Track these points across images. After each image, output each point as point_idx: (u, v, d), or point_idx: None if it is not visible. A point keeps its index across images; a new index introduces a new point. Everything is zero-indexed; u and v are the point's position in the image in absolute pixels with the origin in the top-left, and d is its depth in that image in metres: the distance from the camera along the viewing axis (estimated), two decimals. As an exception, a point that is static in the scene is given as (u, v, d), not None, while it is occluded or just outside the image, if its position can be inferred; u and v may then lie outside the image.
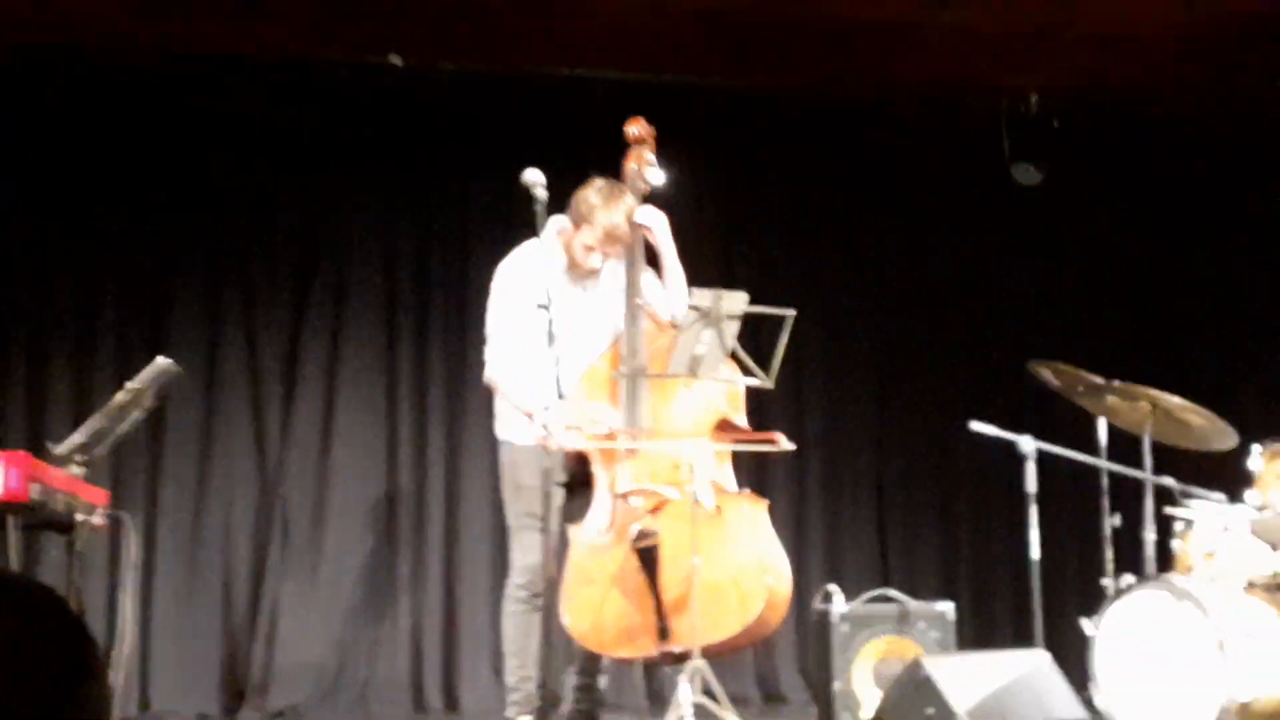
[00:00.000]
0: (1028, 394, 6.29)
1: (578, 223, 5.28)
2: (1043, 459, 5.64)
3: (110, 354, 7.23)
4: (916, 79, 7.93)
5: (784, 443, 5.11)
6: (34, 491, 3.88)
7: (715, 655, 5.00)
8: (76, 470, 4.24)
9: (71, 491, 4.16)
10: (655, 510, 5.07)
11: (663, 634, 4.96)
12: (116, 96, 7.34)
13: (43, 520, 4.19)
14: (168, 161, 7.42)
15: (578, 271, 5.35)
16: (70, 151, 7.28)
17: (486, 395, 7.28)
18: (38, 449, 4.52)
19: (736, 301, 4.83)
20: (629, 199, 5.30)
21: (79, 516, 4.17)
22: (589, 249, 5.27)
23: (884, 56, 7.64)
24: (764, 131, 8.09)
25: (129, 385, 4.37)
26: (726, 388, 5.19)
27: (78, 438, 4.29)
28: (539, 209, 4.98)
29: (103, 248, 7.36)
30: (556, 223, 5.33)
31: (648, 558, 5.01)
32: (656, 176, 5.49)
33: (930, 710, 4.37)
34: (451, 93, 7.65)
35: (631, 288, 5.34)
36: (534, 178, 4.97)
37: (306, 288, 7.55)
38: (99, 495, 4.49)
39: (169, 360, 4.52)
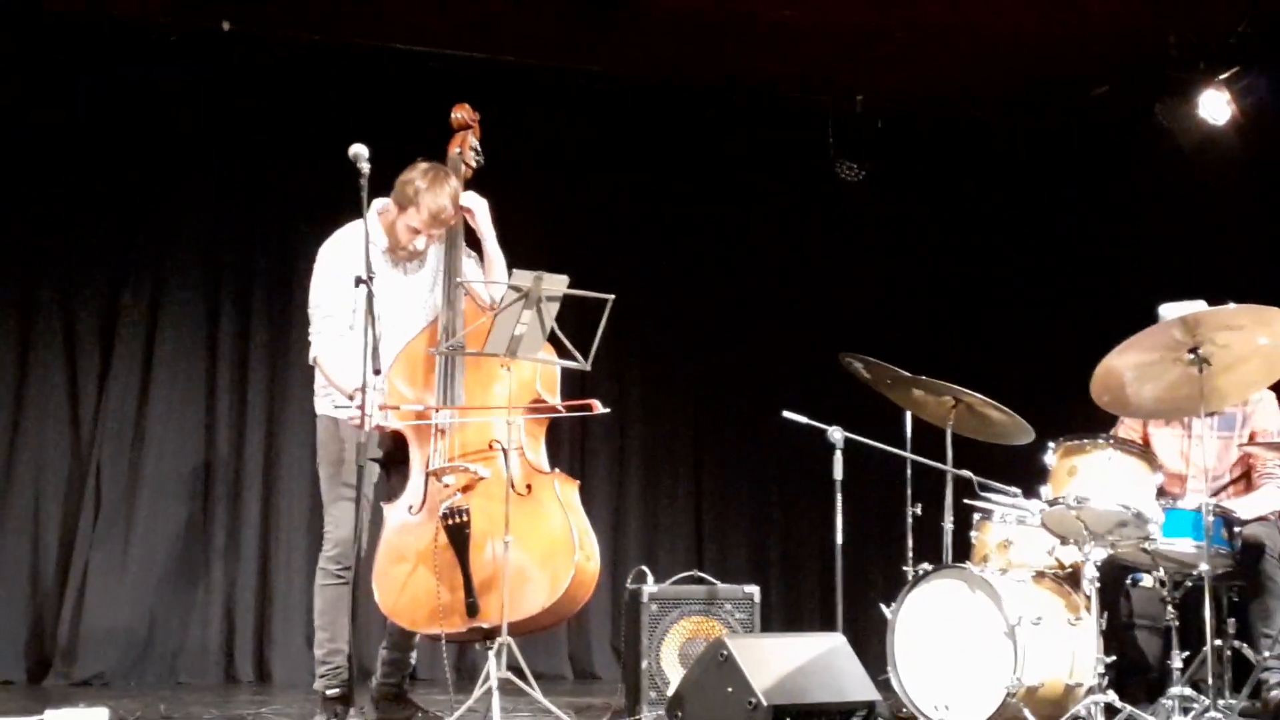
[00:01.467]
0: (839, 385, 6.44)
1: (403, 205, 5.27)
2: (851, 449, 5.79)
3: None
4: (747, 72, 8.08)
5: (599, 407, 5.19)
6: None
7: (524, 632, 5.07)
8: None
9: None
10: (467, 489, 5.10)
11: (471, 611, 5.00)
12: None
13: None
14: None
15: (400, 253, 5.35)
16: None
17: (307, 370, 7.25)
18: None
19: (556, 284, 4.88)
20: (454, 182, 5.32)
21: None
22: (414, 231, 5.28)
23: (715, 47, 7.75)
24: (592, 116, 8.16)
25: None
26: (541, 369, 5.24)
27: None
28: (363, 183, 4.97)
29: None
30: (379, 204, 5.32)
31: (458, 535, 5.04)
32: (479, 161, 5.53)
33: (730, 689, 4.47)
34: (281, 62, 7.57)
35: (451, 269, 5.37)
36: (359, 151, 4.95)
37: (126, 255, 7.43)
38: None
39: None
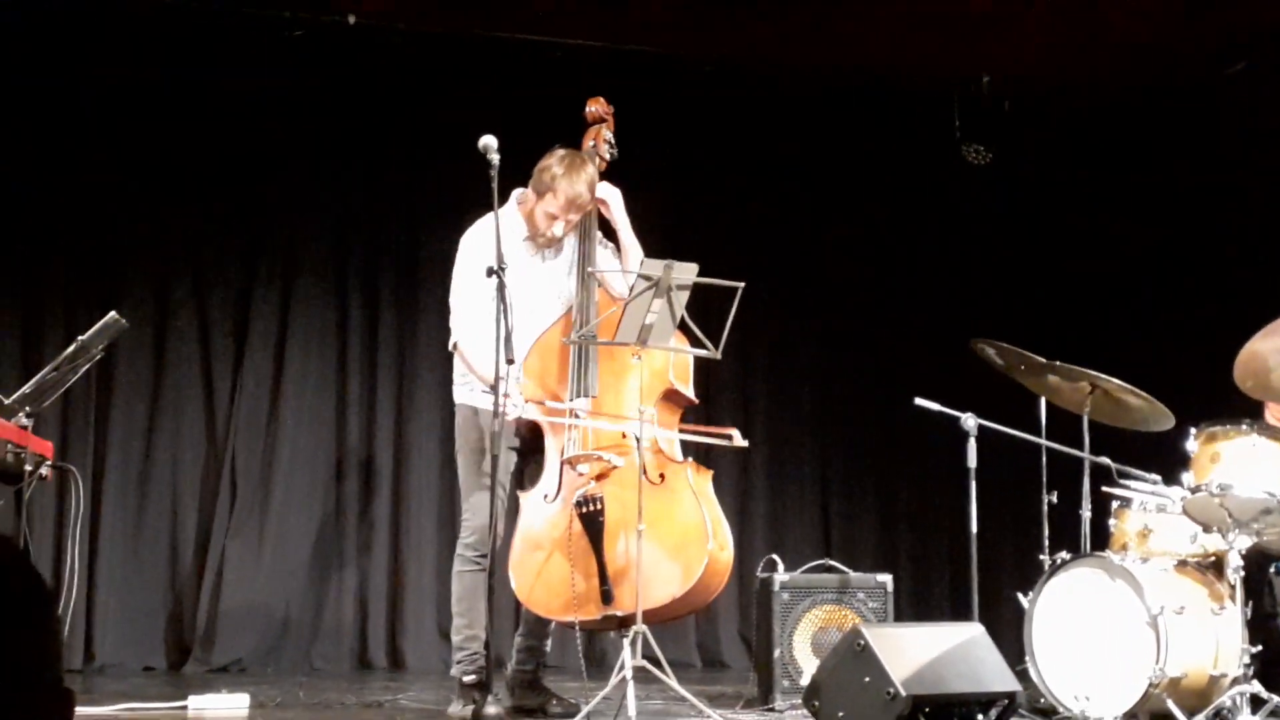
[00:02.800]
0: (971, 372, 6.36)
1: (540, 192, 5.32)
2: (983, 436, 5.72)
3: (58, 309, 7.21)
4: (871, 58, 7.98)
5: (738, 439, 5.20)
6: (-19, 441, 3.88)
7: (657, 621, 5.07)
8: (25, 421, 4.24)
9: (20, 442, 4.17)
10: (601, 477, 5.12)
11: (605, 599, 5.01)
12: (70, 55, 7.27)
13: (-10, 470, 4.20)
14: (118, 121, 7.37)
15: (538, 241, 5.39)
16: (20, 110, 7.22)
17: (437, 358, 7.34)
18: (-14, 400, 4.51)
19: (686, 272, 4.87)
20: (590, 169, 5.36)
21: (27, 467, 4.18)
22: (552, 218, 5.31)
23: (839, 34, 7.68)
24: (718, 106, 8.12)
25: (79, 339, 4.38)
26: (674, 357, 5.24)
27: (26, 389, 4.29)
28: (493, 174, 5.01)
29: (53, 205, 7.31)
30: (518, 194, 5.37)
31: (592, 524, 5.06)
32: (613, 154, 5.56)
33: (867, 678, 4.44)
34: (407, 54, 7.64)
35: (585, 258, 5.39)
36: (489, 143, 5.00)
37: (258, 248, 7.55)
38: (45, 447, 4.49)
39: (117, 315, 4.52)
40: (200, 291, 7.45)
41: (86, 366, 4.47)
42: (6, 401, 4.22)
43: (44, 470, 4.28)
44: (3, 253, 7.23)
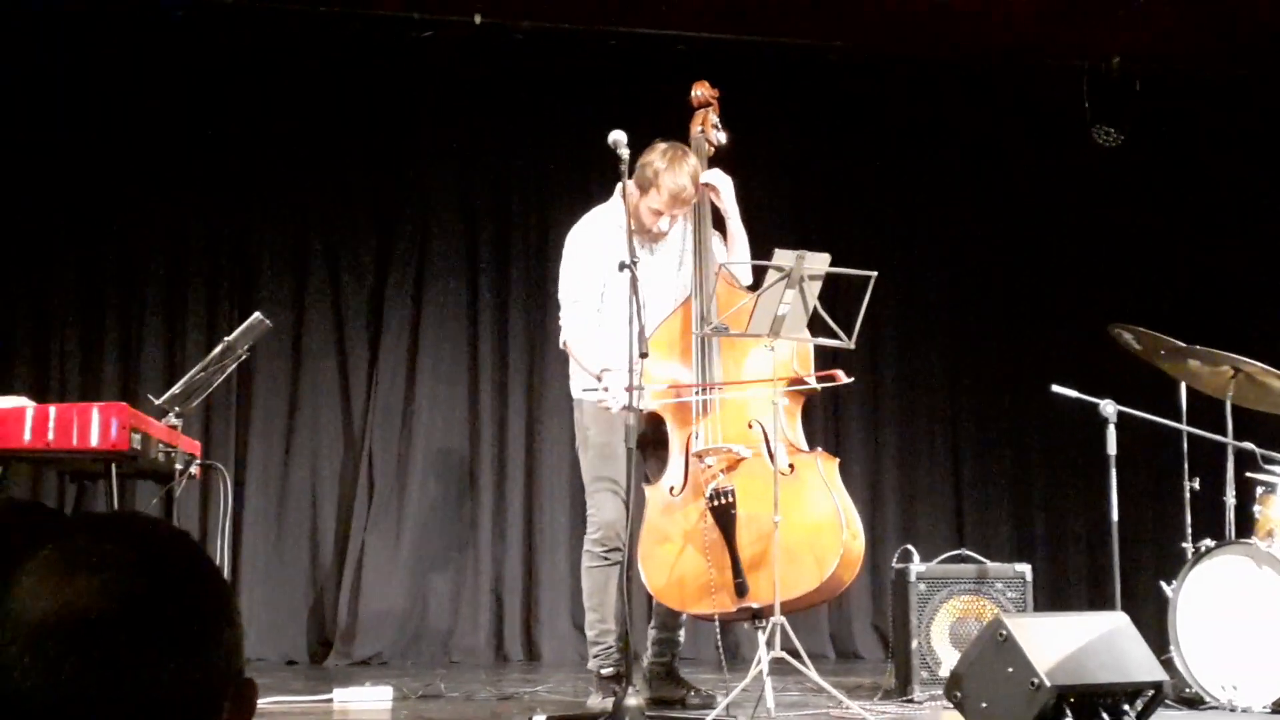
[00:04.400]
0: (1108, 357, 6.26)
1: (643, 187, 5.28)
2: (1122, 422, 5.63)
3: (199, 310, 7.40)
4: (997, 40, 7.89)
5: (843, 377, 5.14)
6: (134, 441, 3.98)
7: (792, 611, 5.04)
8: (174, 421, 4.35)
9: (170, 442, 4.27)
10: (729, 469, 5.11)
11: (739, 590, 5.01)
12: (198, 52, 7.44)
13: (142, 469, 4.30)
14: (248, 121, 7.53)
15: (645, 235, 5.37)
16: (153, 112, 7.40)
17: (564, 354, 7.38)
18: (134, 401, 4.63)
19: (819, 262, 4.85)
20: (693, 160, 5.30)
21: (177, 466, 4.28)
22: (656, 213, 5.28)
23: (964, 17, 7.60)
24: (840, 91, 8.09)
25: (225, 339, 4.47)
26: (797, 347, 5.21)
27: (176, 389, 4.40)
28: (624, 169, 5.02)
29: (189, 206, 7.50)
30: (623, 187, 5.36)
31: (724, 516, 5.05)
32: (721, 137, 5.53)
33: (1010, 669, 4.39)
34: (529, 51, 7.70)
35: (700, 247, 5.37)
36: (618, 138, 5.01)
37: (390, 246, 7.66)
38: (194, 446, 4.60)
39: (261, 315, 4.61)
40: (335, 289, 7.58)
41: (232, 367, 4.56)
42: (157, 402, 4.33)
43: (193, 469, 4.39)
44: (143, 259, 7.41)
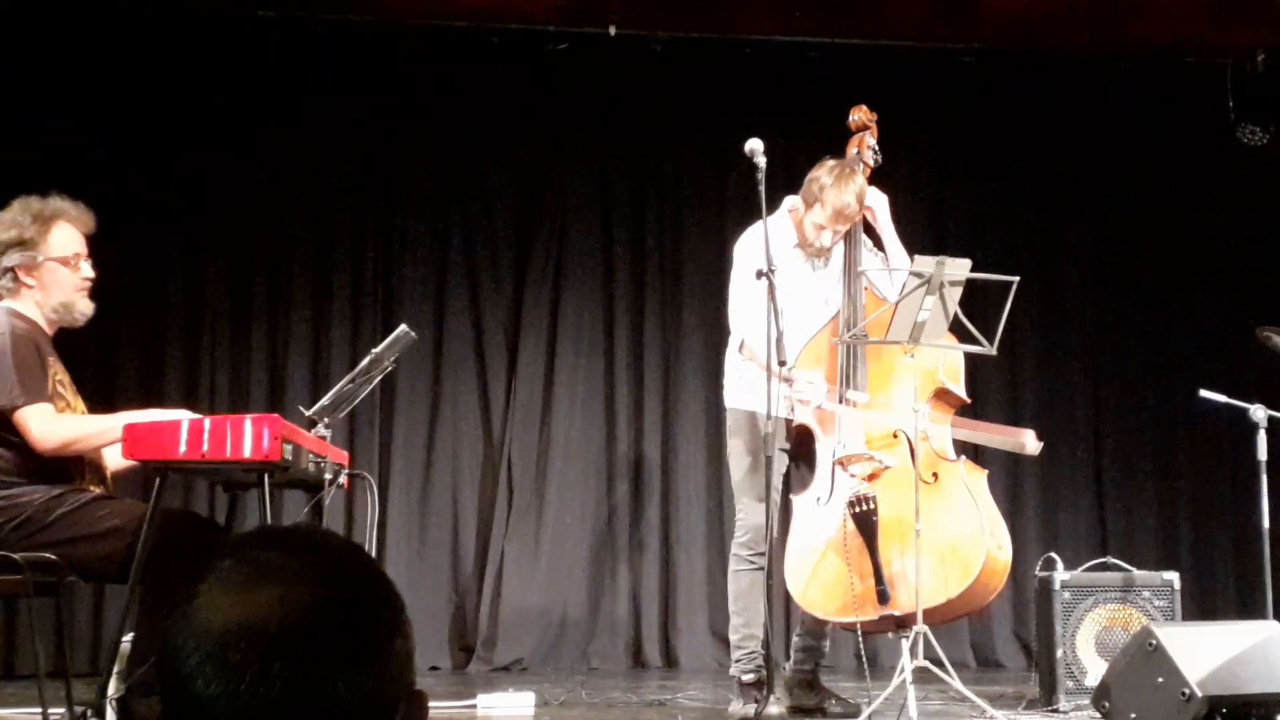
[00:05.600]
0: (1257, 361, 6.13)
1: (810, 202, 5.33)
2: (1272, 427, 5.51)
3: (344, 321, 7.56)
4: (1139, 37, 7.77)
5: (1031, 445, 5.11)
6: (286, 452, 4.06)
7: (935, 621, 5.02)
8: (323, 431, 4.43)
9: (320, 452, 4.35)
10: (873, 477, 5.10)
11: (882, 599, 4.99)
12: (337, 67, 7.60)
13: (293, 479, 4.38)
14: (389, 134, 7.67)
15: (809, 249, 5.41)
16: (298, 125, 7.55)
17: (700, 358, 7.43)
18: (281, 411, 4.73)
19: (959, 268, 4.82)
20: (859, 179, 5.34)
21: (327, 476, 4.36)
22: (820, 228, 5.32)
23: (1104, 14, 7.50)
24: (978, 93, 8.02)
25: (373, 351, 4.55)
26: (943, 356, 5.19)
27: (325, 400, 4.48)
28: (760, 176, 5.05)
29: (335, 220, 7.66)
30: (789, 201, 5.41)
31: (865, 523, 5.05)
32: (878, 161, 5.56)
33: (1160, 679, 4.33)
34: (665, 61, 7.74)
35: (851, 262, 5.39)
36: (755, 146, 5.05)
37: (526, 256, 7.74)
38: (342, 456, 4.68)
39: (406, 328, 4.69)
40: (475, 299, 7.68)
41: (379, 378, 4.65)
42: (307, 413, 4.42)
43: (342, 479, 4.46)
44: (287, 270, 7.58)
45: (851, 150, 5.56)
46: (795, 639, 5.51)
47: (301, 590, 1.36)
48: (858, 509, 5.06)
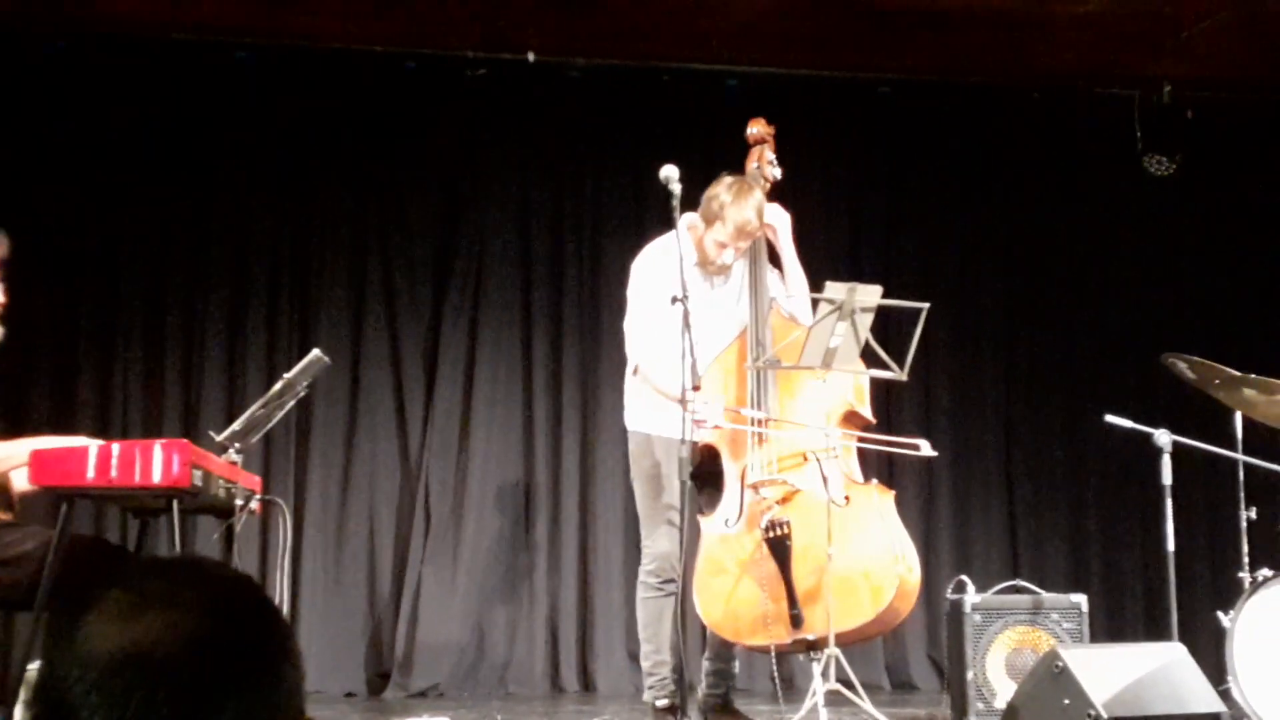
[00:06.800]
0: (1162, 387, 6.24)
1: (709, 220, 5.33)
2: (1176, 452, 5.61)
3: (259, 346, 7.50)
4: (1048, 68, 7.91)
5: (926, 449, 5.16)
6: (195, 478, 4.04)
7: (847, 643, 5.07)
8: (234, 457, 4.41)
9: (230, 478, 4.33)
10: (785, 501, 5.14)
11: (795, 622, 5.03)
12: (258, 90, 7.58)
13: (203, 505, 4.36)
14: (309, 157, 7.65)
15: (709, 268, 5.42)
16: (216, 147, 7.53)
17: (619, 382, 7.43)
18: (194, 437, 4.70)
19: (870, 294, 4.88)
20: (758, 195, 5.37)
21: (238, 502, 4.34)
22: (721, 245, 5.33)
23: (1015, 45, 7.63)
24: (891, 122, 8.11)
25: (285, 376, 4.53)
26: (852, 379, 5.24)
27: (236, 426, 4.46)
28: (675, 204, 5.08)
29: (250, 244, 7.62)
30: (687, 219, 5.41)
31: (779, 548, 5.08)
32: (776, 173, 5.59)
33: (1067, 701, 4.39)
34: (583, 87, 7.78)
35: (757, 282, 5.41)
36: (670, 173, 5.07)
37: (444, 281, 7.73)
38: (254, 481, 4.66)
39: (320, 352, 4.68)
40: (392, 324, 7.65)
41: (292, 403, 4.63)
42: (218, 439, 4.39)
43: (253, 504, 4.44)
44: (202, 294, 7.52)
45: (751, 164, 5.59)
46: (705, 663, 5.53)
47: (188, 619, 1.36)
48: (771, 533, 5.09)
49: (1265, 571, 5.23)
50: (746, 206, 5.28)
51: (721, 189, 5.33)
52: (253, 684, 1.38)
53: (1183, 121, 8.19)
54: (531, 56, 7.59)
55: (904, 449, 5.27)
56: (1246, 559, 5.50)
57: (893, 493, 5.30)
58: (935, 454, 5.32)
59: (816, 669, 4.86)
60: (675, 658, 5.10)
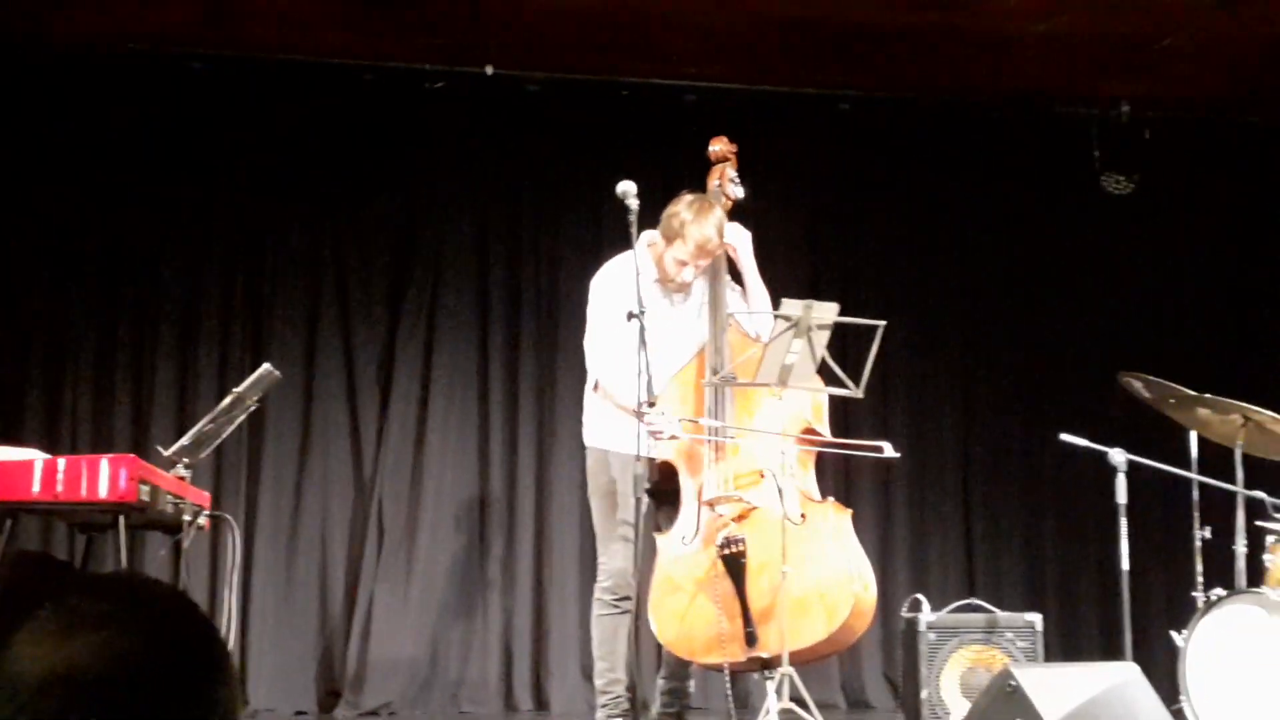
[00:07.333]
0: (1118, 406, 6.26)
1: (670, 237, 5.33)
2: (1132, 471, 5.63)
3: (211, 360, 7.41)
4: (1007, 86, 7.94)
5: (889, 450, 5.15)
6: (143, 493, 4.00)
7: (803, 662, 5.06)
8: (183, 472, 4.37)
9: (179, 493, 4.29)
10: (741, 518, 5.12)
11: (750, 640, 5.01)
12: (214, 103, 7.51)
13: (151, 521, 4.32)
14: (264, 170, 7.58)
15: (668, 285, 5.42)
16: (170, 159, 7.45)
17: (575, 399, 7.40)
18: (143, 452, 4.65)
19: (827, 311, 4.88)
20: (718, 212, 5.37)
21: (185, 517, 4.30)
22: (681, 263, 5.33)
23: (974, 64, 7.65)
24: (851, 139, 8.11)
25: (234, 391, 4.50)
26: (810, 397, 5.23)
27: (185, 440, 4.42)
28: (632, 219, 5.07)
29: (203, 255, 7.54)
30: (648, 236, 5.41)
31: (734, 565, 5.06)
32: (738, 192, 5.58)
33: (1018, 720, 4.38)
34: (541, 102, 7.75)
35: (716, 300, 5.41)
36: (627, 188, 5.06)
37: (400, 295, 7.67)
38: (203, 497, 4.62)
39: (270, 367, 4.64)
40: (347, 339, 7.58)
41: (242, 418, 4.59)
42: (166, 453, 4.35)
43: (202, 520, 4.40)
44: (154, 307, 7.45)
45: (712, 182, 5.59)
46: (659, 681, 5.50)
47: (121, 638, 1.33)
48: (727, 551, 5.08)
49: (1218, 591, 5.24)
50: (707, 224, 5.28)
51: (682, 206, 5.33)
52: (186, 703, 1.35)
53: (1140, 141, 8.23)
54: (490, 69, 7.56)
55: (866, 451, 5.26)
56: (1201, 578, 5.51)
57: (850, 511, 5.28)
58: (898, 455, 5.30)
59: (771, 687, 4.83)
60: (630, 676, 5.07)
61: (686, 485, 5.26)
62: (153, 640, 1.36)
